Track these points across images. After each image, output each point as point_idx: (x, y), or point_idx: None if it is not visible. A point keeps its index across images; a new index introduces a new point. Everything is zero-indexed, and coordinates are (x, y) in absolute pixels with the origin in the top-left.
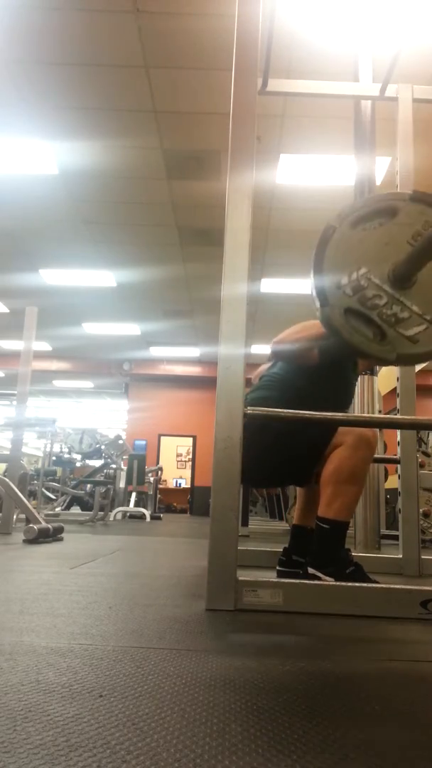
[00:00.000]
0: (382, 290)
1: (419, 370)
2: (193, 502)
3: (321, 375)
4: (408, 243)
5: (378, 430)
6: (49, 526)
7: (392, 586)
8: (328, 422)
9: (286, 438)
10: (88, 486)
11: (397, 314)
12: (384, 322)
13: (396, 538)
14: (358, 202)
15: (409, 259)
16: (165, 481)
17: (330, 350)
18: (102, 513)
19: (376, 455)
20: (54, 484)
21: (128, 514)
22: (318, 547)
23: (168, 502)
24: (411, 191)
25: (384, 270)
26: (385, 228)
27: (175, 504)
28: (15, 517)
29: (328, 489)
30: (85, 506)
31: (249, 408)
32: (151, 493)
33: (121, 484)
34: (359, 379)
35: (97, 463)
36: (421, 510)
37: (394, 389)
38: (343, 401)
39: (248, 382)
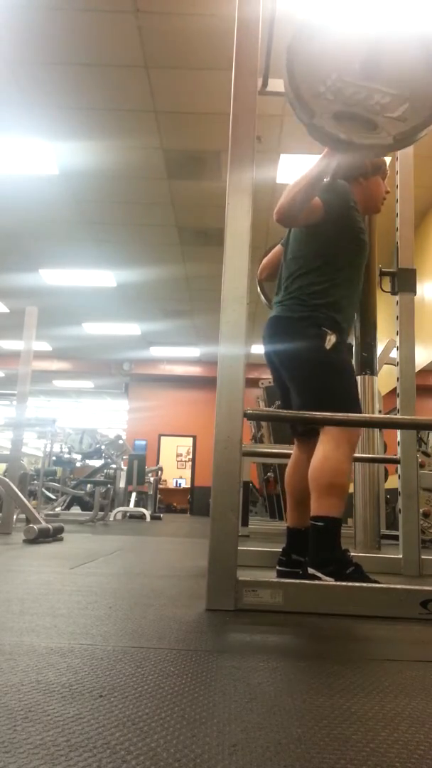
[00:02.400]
0: (358, 85)
1: (419, 371)
2: (193, 502)
3: (332, 224)
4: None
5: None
6: (49, 526)
7: (392, 586)
8: (329, 422)
9: (331, 375)
10: (88, 486)
11: (379, 101)
12: (371, 113)
13: (396, 538)
14: (305, 19)
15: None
16: (165, 481)
17: (328, 192)
18: (102, 513)
19: (376, 455)
20: (54, 484)
21: (128, 514)
22: (315, 546)
23: (168, 502)
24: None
25: (353, 68)
26: (342, 31)
27: (175, 504)
28: (15, 517)
29: (316, 488)
30: (85, 506)
31: (249, 409)
32: (151, 493)
33: (121, 484)
34: (359, 380)
35: (97, 463)
36: (421, 510)
37: (394, 389)
38: (363, 246)
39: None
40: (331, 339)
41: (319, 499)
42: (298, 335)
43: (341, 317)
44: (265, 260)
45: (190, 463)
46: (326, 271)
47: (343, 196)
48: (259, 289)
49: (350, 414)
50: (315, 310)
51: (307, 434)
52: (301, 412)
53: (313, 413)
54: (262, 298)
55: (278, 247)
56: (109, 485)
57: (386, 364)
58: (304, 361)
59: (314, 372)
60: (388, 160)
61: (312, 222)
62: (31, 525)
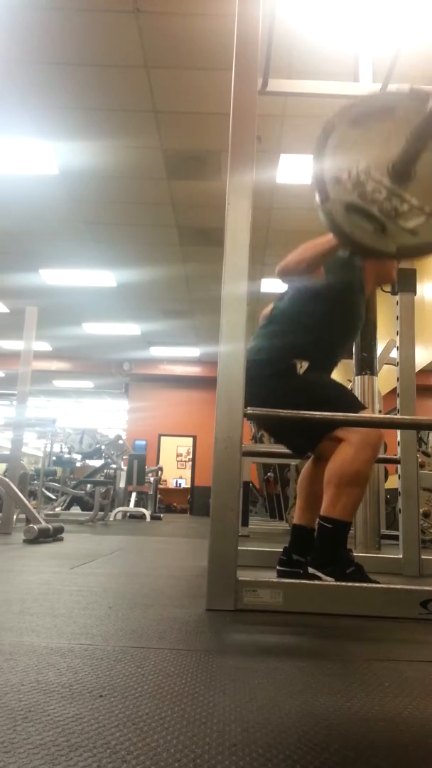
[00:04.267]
0: (382, 184)
1: (419, 371)
2: (193, 502)
3: (329, 297)
4: (406, 138)
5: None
6: (49, 526)
7: (392, 586)
8: (328, 422)
9: (303, 395)
10: (88, 486)
11: (397, 208)
12: (384, 216)
13: (396, 538)
14: (357, 100)
15: (405, 151)
16: (165, 481)
17: (336, 266)
18: (102, 513)
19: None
20: (54, 484)
21: (128, 514)
22: (320, 547)
23: (168, 502)
24: (409, 88)
25: (383, 165)
26: (384, 125)
27: (175, 504)
28: (15, 517)
29: (331, 489)
30: (85, 506)
31: (249, 408)
32: (151, 493)
33: (121, 484)
34: (360, 380)
35: (97, 463)
36: (421, 510)
37: (394, 389)
38: (355, 322)
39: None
40: (303, 365)
41: (332, 499)
42: (267, 374)
43: (315, 354)
44: (266, 309)
45: (190, 463)
46: (309, 328)
47: (350, 271)
48: None
49: (350, 414)
50: (285, 349)
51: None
52: (300, 412)
53: (313, 414)
54: None
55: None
56: (109, 485)
57: (386, 364)
58: (284, 393)
59: (299, 397)
60: None
61: (310, 284)
62: (31, 525)
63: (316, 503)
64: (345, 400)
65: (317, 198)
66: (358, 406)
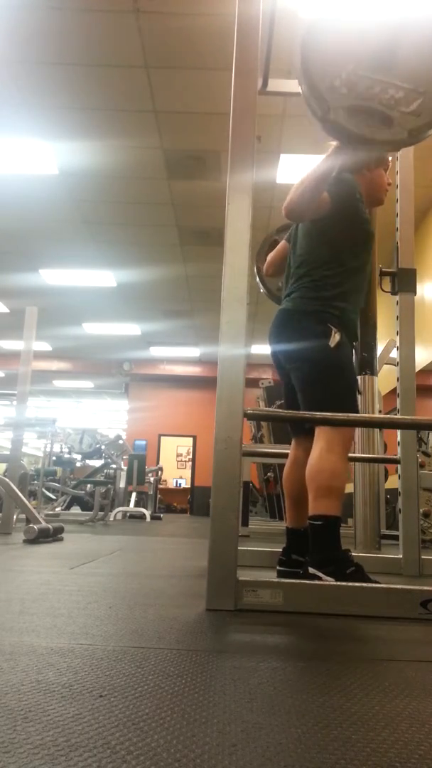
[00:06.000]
0: (373, 79)
1: (419, 370)
2: (193, 502)
3: (340, 219)
4: (380, 27)
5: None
6: (49, 526)
7: (392, 586)
8: (329, 422)
9: (334, 372)
10: (88, 486)
11: (394, 95)
12: (385, 107)
13: (396, 538)
14: (321, 13)
15: (388, 42)
16: (165, 481)
17: (336, 186)
18: (102, 513)
19: (376, 455)
20: (54, 484)
21: (128, 514)
22: (316, 546)
23: (168, 502)
24: None
25: (367, 60)
26: (356, 23)
27: (175, 504)
28: (15, 517)
29: (313, 488)
30: (85, 506)
31: (249, 409)
32: (151, 493)
33: (121, 484)
34: (360, 380)
35: (97, 463)
36: (421, 510)
37: (394, 389)
38: (370, 235)
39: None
40: (335, 337)
41: (316, 499)
42: (303, 331)
43: (350, 308)
44: (270, 256)
45: (190, 463)
46: (334, 263)
47: (350, 189)
48: (260, 282)
49: (350, 414)
50: (323, 304)
51: (308, 432)
52: (300, 412)
53: (313, 413)
54: (261, 289)
55: (283, 243)
56: (109, 485)
57: (386, 364)
58: (308, 361)
59: (317, 372)
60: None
61: (320, 216)
62: (31, 525)
63: (302, 503)
64: (353, 393)
65: (318, 111)
66: (356, 407)
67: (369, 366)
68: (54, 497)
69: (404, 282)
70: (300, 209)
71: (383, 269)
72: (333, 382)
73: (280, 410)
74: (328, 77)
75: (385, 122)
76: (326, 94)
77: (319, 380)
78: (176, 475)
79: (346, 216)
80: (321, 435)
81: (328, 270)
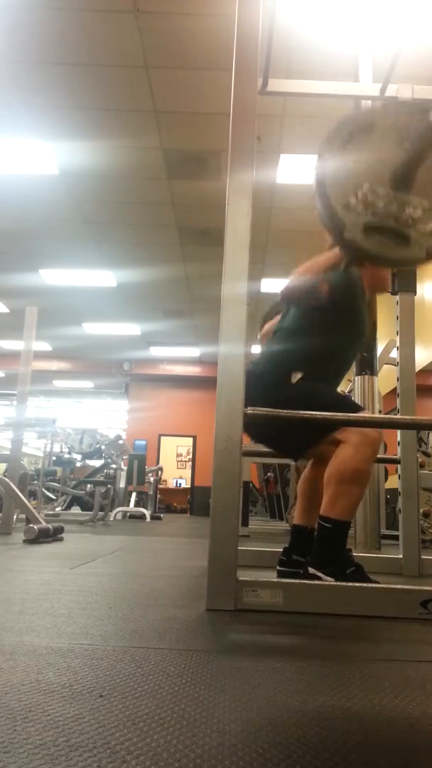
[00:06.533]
0: (391, 197)
1: (419, 370)
2: (193, 502)
3: (334, 311)
4: (398, 145)
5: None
6: (49, 526)
7: (392, 586)
8: (328, 422)
9: (294, 403)
10: (88, 486)
11: (411, 215)
12: (403, 226)
13: (396, 538)
14: (334, 128)
15: (406, 162)
16: (165, 481)
17: (338, 281)
18: (102, 513)
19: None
20: (54, 484)
21: (128, 514)
22: (319, 547)
23: (168, 502)
24: (381, 104)
25: (384, 178)
26: (371, 141)
27: (175, 504)
28: (15, 517)
29: (331, 489)
30: (85, 506)
31: (249, 408)
32: (151, 493)
33: (121, 484)
34: (360, 380)
35: (97, 463)
36: (421, 510)
37: (394, 389)
38: (360, 333)
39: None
40: (296, 375)
41: (331, 498)
42: (263, 385)
43: (311, 365)
44: (267, 326)
45: (190, 463)
46: (310, 341)
47: (351, 285)
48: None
49: (350, 414)
50: (280, 361)
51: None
52: (301, 412)
53: (313, 414)
54: None
55: (276, 319)
56: (109, 485)
57: (386, 364)
58: (276, 405)
59: (291, 407)
60: None
61: (314, 302)
62: (31, 525)
63: (317, 504)
64: (344, 403)
65: (334, 231)
66: (358, 409)
67: (369, 366)
68: (54, 497)
69: (404, 282)
70: (296, 297)
71: None
72: (317, 401)
73: (281, 410)
74: (345, 195)
75: (402, 241)
76: (342, 213)
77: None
78: (176, 475)
79: (341, 310)
80: (350, 437)
81: (302, 344)
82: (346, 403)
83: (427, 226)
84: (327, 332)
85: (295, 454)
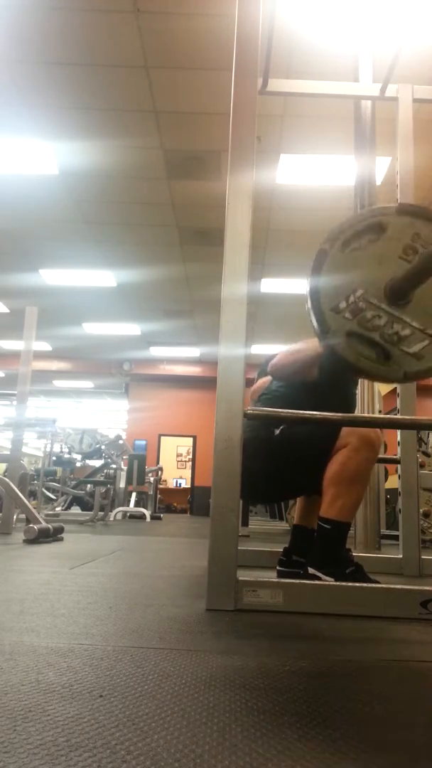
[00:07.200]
0: (381, 309)
1: None
2: (193, 502)
3: (322, 389)
4: (400, 258)
5: (381, 430)
6: (49, 526)
7: (392, 586)
8: (328, 422)
9: (297, 448)
10: (88, 486)
11: (399, 332)
12: (387, 342)
13: (396, 538)
14: (345, 222)
15: (407, 276)
16: (165, 481)
17: (329, 367)
18: (102, 513)
19: None
20: (54, 484)
21: (128, 514)
22: (319, 547)
23: (168, 502)
24: (397, 204)
25: (380, 288)
26: (375, 245)
27: (175, 504)
28: (15, 517)
29: (331, 489)
30: (85, 506)
31: (249, 408)
32: (151, 493)
33: (121, 484)
34: (359, 380)
35: (97, 463)
36: (421, 510)
37: (394, 389)
38: (346, 409)
39: (249, 385)
40: (280, 428)
41: (331, 499)
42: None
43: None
44: (254, 387)
45: (190, 463)
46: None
47: (342, 370)
48: None
49: (348, 414)
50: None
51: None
52: (300, 411)
53: (313, 413)
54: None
55: (267, 378)
56: (109, 485)
57: None
58: (268, 454)
59: (275, 459)
60: None
61: (303, 381)
62: (31, 525)
63: (317, 505)
64: (323, 432)
65: (317, 330)
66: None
67: None
68: (54, 497)
69: None
70: (286, 375)
71: None
72: (311, 432)
73: (281, 410)
74: (336, 297)
75: (382, 357)
76: (328, 317)
77: (285, 462)
78: (176, 475)
79: (328, 391)
80: (349, 439)
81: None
82: (327, 430)
83: (411, 347)
84: (310, 406)
85: (317, 485)
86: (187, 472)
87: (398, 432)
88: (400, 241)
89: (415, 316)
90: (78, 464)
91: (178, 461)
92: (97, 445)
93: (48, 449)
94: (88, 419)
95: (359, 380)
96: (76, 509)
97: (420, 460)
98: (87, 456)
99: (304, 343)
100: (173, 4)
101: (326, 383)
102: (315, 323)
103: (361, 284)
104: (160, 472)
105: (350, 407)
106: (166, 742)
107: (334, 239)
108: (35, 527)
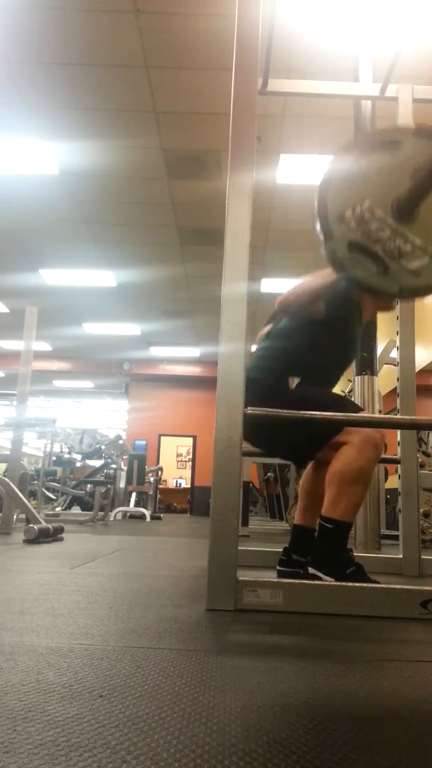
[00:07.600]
0: (386, 223)
1: (419, 370)
2: (193, 502)
3: (326, 327)
4: (411, 177)
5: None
6: (49, 526)
7: (392, 586)
8: (328, 422)
9: (295, 406)
10: (88, 486)
11: (401, 247)
12: (387, 256)
13: (396, 538)
14: (362, 135)
15: (411, 192)
16: (165, 481)
17: (335, 300)
18: (102, 513)
19: None
20: (54, 484)
21: (128, 514)
22: (320, 547)
23: (168, 502)
24: (414, 125)
25: (387, 203)
26: (388, 162)
27: (175, 504)
28: (15, 517)
29: (333, 489)
30: (85, 506)
31: (249, 408)
32: (151, 493)
33: (121, 484)
34: (359, 380)
35: (97, 463)
36: (421, 510)
37: (394, 389)
38: (349, 353)
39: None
40: (293, 380)
41: (333, 499)
42: (260, 396)
43: (308, 373)
44: (261, 332)
45: (190, 463)
46: (303, 352)
47: (349, 309)
48: None
49: (350, 414)
50: (278, 369)
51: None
52: (301, 412)
53: (314, 414)
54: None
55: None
56: (109, 485)
57: (386, 364)
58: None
59: (294, 409)
60: None
61: (310, 319)
62: (31, 525)
63: (318, 504)
64: (343, 403)
65: (320, 236)
66: (358, 410)
67: (369, 366)
68: (54, 497)
69: None
70: (293, 309)
71: None
72: (315, 405)
73: (280, 410)
74: (343, 205)
75: (381, 268)
76: (333, 223)
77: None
78: (176, 475)
79: (334, 329)
80: (352, 437)
81: (293, 357)
82: (346, 405)
83: (411, 263)
84: (315, 346)
85: (300, 460)
86: (187, 472)
87: (398, 432)
88: (412, 160)
89: (418, 233)
90: (78, 464)
91: (178, 461)
92: (97, 445)
93: (48, 449)
94: (88, 419)
95: (359, 379)
96: (76, 509)
97: (420, 460)
98: (87, 456)
99: (312, 277)
100: (173, 4)
101: (331, 321)
102: (319, 230)
103: (369, 197)
104: (160, 472)
105: (353, 352)
106: (166, 742)
107: (352, 147)
108: (35, 527)
